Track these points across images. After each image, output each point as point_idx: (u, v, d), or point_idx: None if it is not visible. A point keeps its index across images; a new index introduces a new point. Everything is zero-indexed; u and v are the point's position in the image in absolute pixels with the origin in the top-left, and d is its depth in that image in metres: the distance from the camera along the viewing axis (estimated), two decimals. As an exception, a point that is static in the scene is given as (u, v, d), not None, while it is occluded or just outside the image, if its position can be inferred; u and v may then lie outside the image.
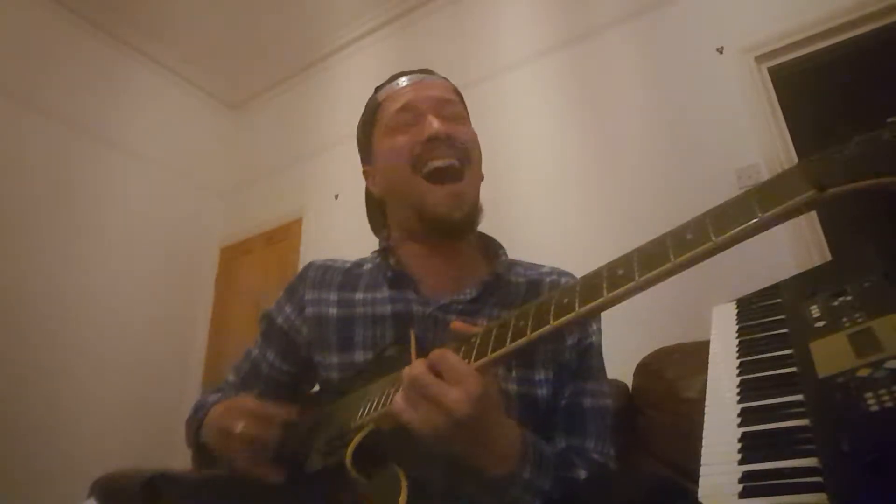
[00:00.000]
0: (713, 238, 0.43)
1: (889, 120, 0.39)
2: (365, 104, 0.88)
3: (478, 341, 0.57)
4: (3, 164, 2.84)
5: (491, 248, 0.87)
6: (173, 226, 3.62)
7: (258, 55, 3.85)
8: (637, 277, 0.47)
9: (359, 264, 0.87)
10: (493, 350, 0.55)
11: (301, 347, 0.84)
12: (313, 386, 0.87)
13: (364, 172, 0.88)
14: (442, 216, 0.75)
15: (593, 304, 0.49)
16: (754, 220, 0.42)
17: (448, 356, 0.55)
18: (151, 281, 3.38)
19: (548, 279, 0.81)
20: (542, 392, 0.73)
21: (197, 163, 3.91)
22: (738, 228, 0.42)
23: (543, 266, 0.85)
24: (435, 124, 0.75)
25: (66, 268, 2.99)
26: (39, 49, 3.13)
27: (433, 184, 0.75)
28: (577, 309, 0.50)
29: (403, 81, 0.83)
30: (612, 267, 0.51)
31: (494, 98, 2.87)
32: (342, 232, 2.33)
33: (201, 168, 3.92)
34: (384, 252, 0.84)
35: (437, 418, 0.52)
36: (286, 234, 3.51)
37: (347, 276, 0.85)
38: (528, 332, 0.53)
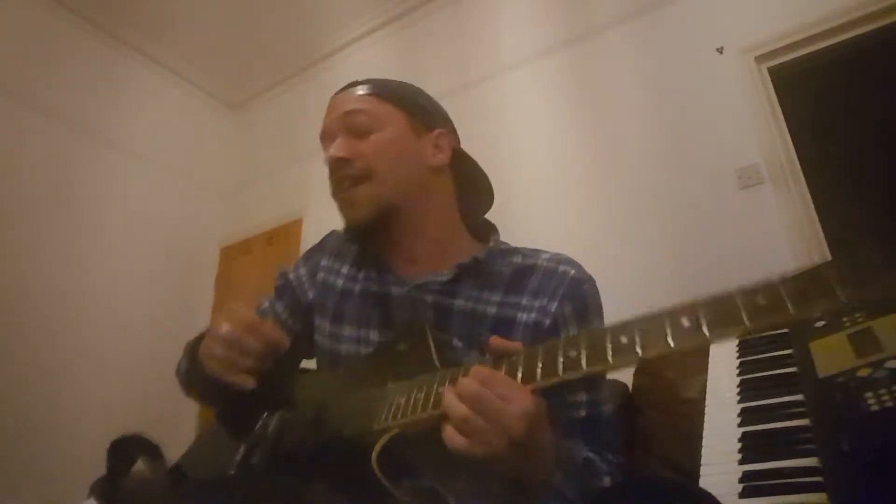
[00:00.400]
0: (789, 311, 0.44)
1: None
2: None
3: (521, 363, 0.56)
4: (2, 164, 2.84)
5: (486, 233, 0.87)
6: (173, 226, 3.61)
7: (258, 55, 3.85)
8: (707, 333, 0.47)
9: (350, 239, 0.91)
10: (543, 377, 0.53)
11: (304, 306, 0.89)
12: (312, 349, 0.89)
13: None
14: (350, 222, 0.82)
15: (657, 350, 0.48)
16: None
17: (498, 375, 0.54)
18: (151, 281, 3.38)
19: (544, 265, 0.80)
20: (579, 414, 0.72)
21: (197, 163, 3.90)
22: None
23: (545, 252, 0.84)
24: (331, 152, 0.81)
25: (66, 268, 2.99)
26: (39, 49, 3.13)
27: (335, 195, 0.83)
28: (637, 353, 0.49)
29: (328, 107, 0.87)
30: (674, 314, 0.49)
31: (494, 98, 2.87)
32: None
33: (201, 168, 3.92)
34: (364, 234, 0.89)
35: (494, 438, 0.51)
36: (286, 234, 3.51)
37: (359, 254, 0.90)
38: (583, 367, 0.51)
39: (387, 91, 0.85)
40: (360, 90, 0.85)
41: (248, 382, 0.68)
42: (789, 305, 0.43)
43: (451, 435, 0.52)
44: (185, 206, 3.74)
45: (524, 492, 0.57)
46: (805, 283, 0.43)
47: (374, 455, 0.60)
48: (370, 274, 0.85)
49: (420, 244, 0.82)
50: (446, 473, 0.62)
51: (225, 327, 0.68)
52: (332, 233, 0.95)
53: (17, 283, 2.76)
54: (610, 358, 0.50)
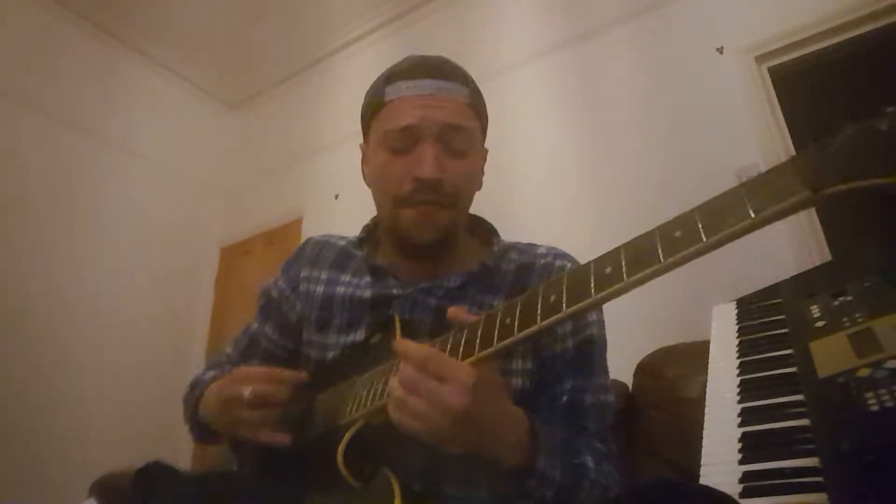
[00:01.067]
0: (703, 238, 0.42)
1: (889, 109, 0.37)
2: (378, 77, 0.82)
3: (463, 338, 0.57)
4: (2, 164, 2.84)
5: (485, 233, 0.87)
6: (173, 226, 3.62)
7: (258, 55, 3.85)
8: (626, 278, 0.46)
9: (355, 244, 0.88)
10: (480, 349, 0.54)
11: (293, 322, 0.87)
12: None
13: (360, 147, 0.86)
14: (411, 237, 0.75)
15: (581, 304, 0.48)
16: (746, 223, 0.41)
17: (433, 353, 0.55)
18: (151, 281, 3.38)
19: (541, 261, 0.80)
20: (518, 382, 0.72)
21: (197, 163, 3.90)
22: (730, 231, 0.41)
23: (540, 247, 0.84)
24: (426, 168, 0.71)
25: (66, 268, 2.99)
26: (39, 49, 3.13)
27: (405, 206, 0.74)
28: (564, 309, 0.49)
29: (413, 88, 0.74)
30: (599, 264, 0.50)
31: (494, 98, 2.83)
32: (342, 232, 2.33)
33: (201, 168, 3.92)
34: (365, 241, 0.86)
35: (435, 417, 0.51)
36: (286, 234, 3.51)
37: (341, 255, 0.87)
38: (515, 332, 0.52)
39: (478, 103, 0.79)
40: (462, 94, 0.76)
41: (285, 439, 0.67)
42: (701, 230, 0.42)
43: (393, 416, 0.54)
44: (185, 206, 3.75)
45: (510, 476, 0.57)
46: (718, 204, 0.43)
47: (339, 450, 0.61)
48: (361, 279, 0.82)
49: (439, 255, 0.80)
50: (416, 464, 0.62)
51: (248, 391, 0.66)
52: (309, 240, 0.92)
53: (17, 284, 2.76)
54: (539, 319, 0.51)
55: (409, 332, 0.69)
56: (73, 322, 2.95)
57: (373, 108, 0.78)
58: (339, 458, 0.60)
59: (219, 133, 4.11)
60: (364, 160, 0.85)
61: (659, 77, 2.45)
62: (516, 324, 0.52)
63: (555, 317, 0.50)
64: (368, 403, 0.62)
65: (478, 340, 0.55)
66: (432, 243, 0.75)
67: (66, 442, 2.71)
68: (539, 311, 0.51)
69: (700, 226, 0.43)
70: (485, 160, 0.84)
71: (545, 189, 2.56)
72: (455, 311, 0.60)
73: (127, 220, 3.33)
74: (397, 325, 0.69)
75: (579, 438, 0.69)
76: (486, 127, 0.83)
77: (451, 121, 0.73)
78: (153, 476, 0.68)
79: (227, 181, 4.02)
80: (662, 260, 0.44)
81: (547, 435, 0.61)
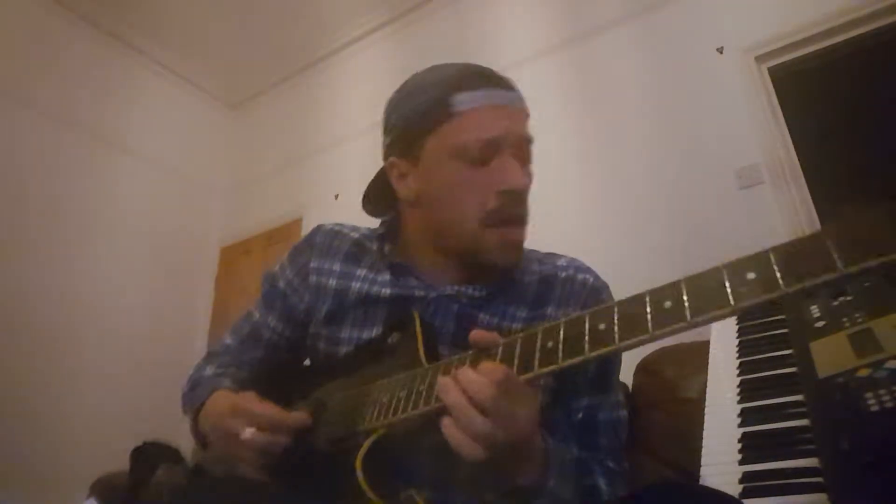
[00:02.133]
0: (781, 287, 0.40)
1: None
2: (425, 85, 0.74)
3: (498, 358, 0.54)
4: (1, 163, 2.84)
5: None
6: (173, 226, 3.62)
7: (258, 55, 3.85)
8: (689, 317, 0.42)
9: (369, 238, 0.84)
10: (518, 373, 0.52)
11: (301, 313, 0.83)
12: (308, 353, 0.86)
13: (391, 163, 0.77)
14: (493, 260, 0.71)
15: (636, 339, 0.45)
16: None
17: (511, 374, 0.52)
18: (151, 281, 3.38)
19: (562, 274, 0.78)
20: (539, 398, 0.71)
21: (197, 163, 3.91)
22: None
23: (560, 258, 0.81)
24: (518, 178, 0.69)
25: (66, 268, 2.99)
26: (39, 48, 3.13)
27: (491, 227, 0.70)
28: (616, 343, 0.46)
29: (489, 98, 0.70)
30: (656, 297, 0.46)
31: (494, 98, 2.87)
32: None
33: (201, 168, 3.92)
34: (383, 238, 0.81)
35: (499, 439, 0.49)
36: (286, 234, 3.51)
37: (355, 248, 0.83)
38: (559, 361, 0.49)
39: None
40: (525, 106, 0.74)
41: (268, 480, 0.64)
42: (779, 278, 0.39)
43: (450, 432, 0.50)
44: (185, 206, 3.75)
45: (519, 494, 0.56)
46: (798, 251, 0.40)
47: (359, 458, 0.59)
48: (378, 276, 0.79)
49: (467, 264, 0.77)
50: (436, 478, 0.61)
51: (247, 433, 0.63)
52: (319, 228, 0.87)
53: (17, 284, 2.76)
54: (587, 349, 0.47)
55: (430, 337, 0.67)
56: (73, 322, 2.95)
57: (434, 117, 0.71)
58: (359, 467, 0.58)
59: (219, 133, 4.11)
60: (401, 176, 0.77)
61: (659, 77, 2.45)
62: (560, 352, 0.49)
63: (606, 349, 0.47)
64: (391, 411, 0.60)
65: (515, 361, 0.52)
66: (511, 265, 0.73)
67: (66, 441, 2.71)
68: (587, 340, 0.48)
69: (778, 273, 0.40)
70: None
71: (544, 188, 2.55)
72: (481, 334, 0.57)
73: (127, 220, 3.33)
74: (417, 326, 0.67)
75: (591, 458, 0.69)
76: None
77: (527, 133, 0.72)
78: (151, 455, 0.67)
79: (227, 181, 4.02)
80: (732, 303, 0.41)
81: (559, 455, 0.60)
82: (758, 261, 0.41)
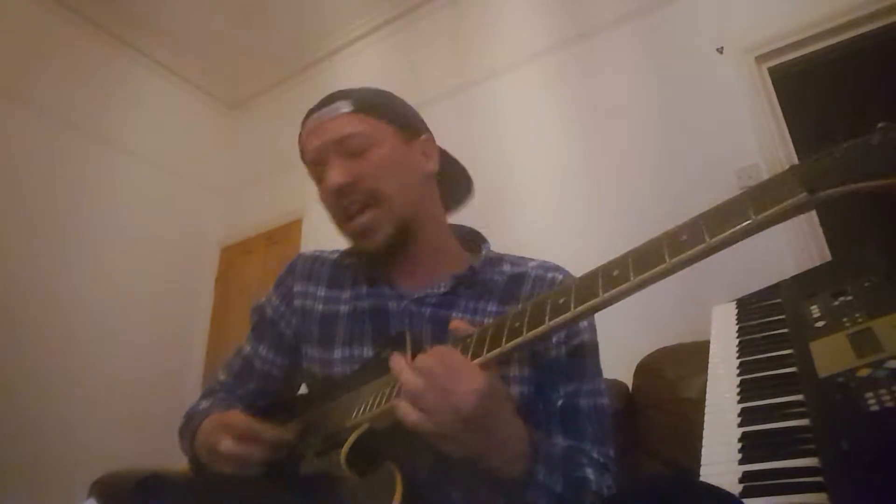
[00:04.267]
0: (707, 239, 0.44)
1: (879, 125, 0.40)
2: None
3: (473, 341, 0.58)
4: (1, 164, 2.84)
5: (474, 241, 0.89)
6: (173, 226, 3.61)
7: (258, 55, 3.85)
8: (632, 278, 0.48)
9: (348, 255, 0.88)
10: (490, 349, 0.55)
11: (290, 338, 0.87)
12: (302, 377, 0.88)
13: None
14: (366, 249, 0.79)
15: (589, 304, 0.50)
16: (747, 223, 0.43)
17: (452, 352, 0.56)
18: (151, 281, 3.37)
19: (533, 273, 0.81)
20: (517, 389, 0.73)
21: (197, 163, 3.90)
22: (732, 231, 0.43)
23: (532, 260, 0.85)
24: (331, 179, 0.77)
25: (66, 268, 2.98)
26: (39, 48, 3.12)
27: (342, 224, 0.80)
28: (572, 309, 0.51)
29: (307, 126, 0.84)
30: (607, 267, 0.52)
31: (493, 98, 2.87)
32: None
33: (201, 168, 3.92)
34: (355, 250, 0.86)
35: (444, 414, 0.52)
36: (286, 234, 3.51)
37: (336, 271, 0.88)
38: (524, 332, 0.53)
39: (369, 105, 0.82)
40: (343, 107, 0.81)
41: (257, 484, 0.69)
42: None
43: (404, 410, 0.54)
44: (185, 206, 3.74)
45: (508, 487, 0.57)
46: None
47: (344, 450, 0.61)
48: (359, 291, 0.83)
49: (420, 255, 0.82)
50: (419, 467, 0.63)
51: (223, 444, 0.68)
52: (300, 256, 0.93)
53: (16, 284, 2.76)
54: (547, 319, 0.52)
55: (418, 347, 0.69)
56: (73, 322, 2.95)
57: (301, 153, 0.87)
58: (343, 458, 0.61)
59: (219, 133, 4.11)
60: None
61: (659, 77, 2.45)
62: (525, 326, 0.54)
63: (563, 316, 0.52)
64: (375, 407, 0.62)
65: (487, 342, 0.56)
66: (386, 244, 0.77)
67: (66, 441, 2.71)
68: (548, 312, 0.53)
69: (704, 229, 0.45)
70: (410, 146, 0.83)
71: (543, 188, 2.56)
72: (457, 324, 0.62)
73: (126, 220, 3.33)
74: (408, 342, 0.70)
75: (579, 450, 0.70)
76: (398, 117, 0.83)
77: (335, 136, 0.79)
78: (152, 489, 0.69)
79: (227, 181, 4.01)
80: (668, 260, 0.46)
81: (547, 447, 0.62)
82: (688, 224, 0.48)
